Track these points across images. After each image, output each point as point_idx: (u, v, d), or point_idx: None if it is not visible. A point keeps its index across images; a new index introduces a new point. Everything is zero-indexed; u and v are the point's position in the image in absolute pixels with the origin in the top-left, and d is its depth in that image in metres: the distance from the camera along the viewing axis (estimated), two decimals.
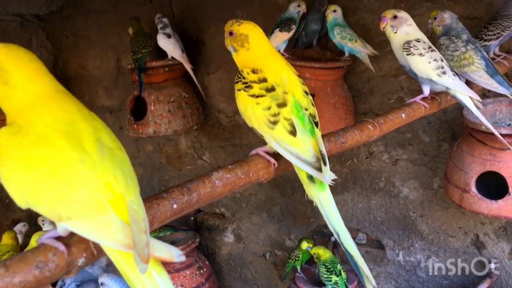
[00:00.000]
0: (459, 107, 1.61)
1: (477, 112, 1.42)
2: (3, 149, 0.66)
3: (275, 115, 0.92)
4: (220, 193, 0.84)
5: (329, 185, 0.93)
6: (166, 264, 0.67)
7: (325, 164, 0.91)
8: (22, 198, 0.65)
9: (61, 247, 0.62)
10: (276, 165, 0.97)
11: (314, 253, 2.16)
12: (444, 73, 1.38)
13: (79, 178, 0.64)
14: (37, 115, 0.68)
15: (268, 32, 2.10)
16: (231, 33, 1.01)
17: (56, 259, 0.61)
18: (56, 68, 3.20)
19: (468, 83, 1.51)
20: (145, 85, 2.43)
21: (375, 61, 2.13)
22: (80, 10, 2.97)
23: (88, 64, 3.08)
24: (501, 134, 1.49)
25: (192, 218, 2.87)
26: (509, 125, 1.81)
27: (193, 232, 2.65)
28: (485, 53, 1.55)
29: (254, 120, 0.95)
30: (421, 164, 2.20)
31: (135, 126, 2.50)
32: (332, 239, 2.45)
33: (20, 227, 2.80)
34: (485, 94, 1.89)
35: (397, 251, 2.34)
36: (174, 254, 0.66)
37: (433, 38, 1.64)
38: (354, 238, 2.38)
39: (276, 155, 0.96)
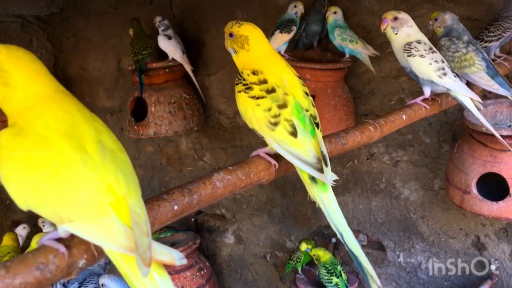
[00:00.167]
0: (460, 108, 1.61)
1: (478, 114, 1.42)
2: (4, 150, 0.66)
3: (275, 116, 0.92)
4: (221, 195, 0.84)
5: (330, 186, 0.93)
6: (166, 266, 0.67)
7: (326, 165, 0.91)
8: (23, 200, 0.65)
9: (61, 248, 0.62)
10: (277, 166, 0.96)
11: (314, 255, 2.16)
12: (445, 74, 1.38)
13: (81, 180, 0.64)
14: (38, 116, 0.68)
15: (269, 34, 2.10)
16: (231, 35, 1.01)
17: (56, 260, 0.60)
18: (57, 69, 3.20)
19: (469, 84, 1.51)
20: (146, 86, 2.44)
21: (376, 62, 2.13)
22: (81, 11, 2.98)
23: (89, 65, 3.09)
24: (501, 136, 1.49)
25: (192, 219, 2.87)
26: (509, 126, 1.81)
27: (193, 233, 2.64)
28: (486, 55, 1.55)
29: (254, 122, 0.95)
30: (421, 165, 2.20)
31: (135, 127, 2.50)
32: (333, 240, 2.45)
33: (21, 230, 2.79)
34: (485, 95, 1.89)
35: (397, 253, 2.34)
36: (176, 257, 0.66)
37: (434, 39, 1.64)
38: None
39: (277, 156, 0.96)
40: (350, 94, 2.19)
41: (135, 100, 2.53)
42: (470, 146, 1.72)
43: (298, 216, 2.60)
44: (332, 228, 0.94)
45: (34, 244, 2.08)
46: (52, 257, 0.60)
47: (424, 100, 1.43)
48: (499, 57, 1.79)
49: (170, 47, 2.41)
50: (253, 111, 0.94)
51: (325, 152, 0.93)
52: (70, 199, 0.63)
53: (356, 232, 2.41)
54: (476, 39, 1.64)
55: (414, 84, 2.09)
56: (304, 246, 2.22)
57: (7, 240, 2.40)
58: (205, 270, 2.55)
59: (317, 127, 0.95)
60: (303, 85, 0.99)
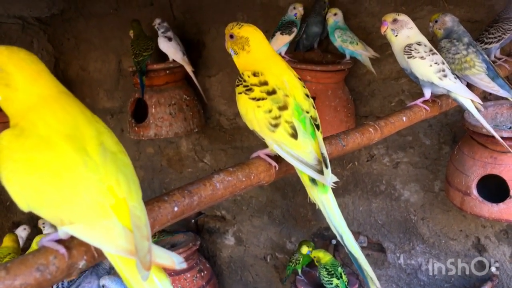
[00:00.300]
0: (460, 110, 1.61)
1: (478, 115, 1.42)
2: (6, 151, 0.66)
3: (276, 118, 0.92)
4: (221, 196, 0.84)
5: (331, 188, 0.93)
6: (166, 268, 0.67)
7: (326, 167, 0.91)
8: (24, 201, 0.65)
9: (61, 249, 0.62)
10: (277, 168, 0.96)
11: (314, 257, 2.16)
12: (445, 76, 1.38)
13: (82, 182, 0.64)
14: (40, 117, 0.68)
15: (270, 35, 2.10)
16: (231, 36, 1.01)
17: (57, 261, 0.60)
18: (57, 71, 3.20)
19: (469, 86, 1.51)
20: (146, 87, 2.44)
21: (376, 64, 2.13)
22: (82, 12, 2.98)
23: (89, 67, 3.09)
24: (502, 137, 1.49)
25: (193, 220, 2.87)
26: (510, 128, 1.81)
27: (194, 234, 2.64)
28: (486, 56, 1.55)
29: (255, 123, 0.95)
30: (422, 167, 2.20)
31: (136, 128, 2.50)
32: (333, 242, 2.44)
33: (21, 231, 2.79)
34: (486, 97, 1.89)
35: (398, 254, 2.34)
36: (176, 261, 0.66)
37: (434, 41, 1.64)
38: None
39: (277, 158, 0.96)
40: (350, 95, 2.19)
41: (135, 101, 2.53)
42: (470, 148, 1.72)
43: (298, 217, 2.59)
44: (332, 230, 0.94)
45: (34, 245, 2.08)
46: (52, 258, 0.60)
47: (424, 101, 1.43)
48: (499, 58, 1.79)
49: (171, 49, 2.41)
50: (253, 113, 0.94)
51: (325, 154, 0.93)
52: (71, 201, 0.63)
53: (356, 234, 2.41)
54: (476, 41, 1.64)
55: (414, 85, 2.09)
56: (305, 250, 2.21)
57: (7, 241, 2.40)
58: (205, 272, 2.55)
59: (318, 128, 0.95)
60: (304, 86, 0.99)
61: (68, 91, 0.74)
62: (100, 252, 0.65)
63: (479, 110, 1.43)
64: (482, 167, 1.66)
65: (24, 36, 3.17)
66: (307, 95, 0.97)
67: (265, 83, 0.95)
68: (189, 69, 2.47)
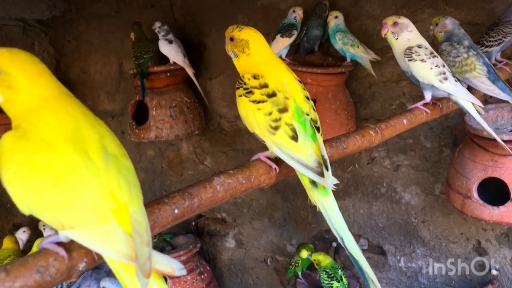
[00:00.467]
0: (461, 112, 1.61)
1: (479, 118, 1.42)
2: (7, 153, 0.66)
3: (276, 120, 0.92)
4: (221, 198, 0.84)
5: (331, 190, 0.93)
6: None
7: (327, 169, 0.91)
8: (25, 204, 0.65)
9: (61, 252, 0.62)
10: (278, 170, 0.96)
11: (315, 260, 2.16)
12: (446, 79, 1.38)
13: (83, 186, 0.64)
14: (42, 119, 0.68)
15: (270, 38, 2.10)
16: (231, 39, 1.01)
17: (56, 264, 0.60)
18: (58, 73, 3.20)
19: (470, 89, 1.51)
20: (147, 90, 2.44)
21: (377, 66, 2.13)
22: (83, 14, 2.98)
23: (90, 69, 3.09)
24: (503, 140, 1.49)
25: (193, 223, 2.86)
26: (511, 131, 1.81)
27: (194, 237, 2.64)
28: (486, 59, 1.55)
29: (255, 126, 0.95)
30: (422, 170, 2.20)
31: (136, 131, 2.50)
32: (334, 244, 2.44)
33: (21, 234, 2.79)
34: (487, 100, 1.89)
35: (398, 257, 2.34)
36: (175, 268, 0.66)
37: (435, 44, 1.64)
38: None
39: (278, 160, 0.96)
40: (351, 98, 2.20)
41: (136, 103, 2.53)
42: (471, 151, 1.72)
43: (299, 220, 2.59)
44: (333, 232, 0.94)
45: (35, 248, 2.08)
46: (52, 260, 0.60)
47: (425, 104, 1.43)
48: (500, 61, 1.79)
49: (172, 51, 2.41)
50: (254, 115, 0.94)
51: (326, 156, 0.93)
52: (72, 205, 0.63)
53: (357, 237, 2.40)
54: (477, 44, 1.64)
55: (415, 88, 2.09)
56: (305, 254, 2.21)
57: (7, 243, 2.40)
58: (205, 274, 2.54)
59: (318, 131, 0.95)
60: (304, 89, 0.99)
61: (70, 92, 0.74)
62: (100, 255, 0.65)
63: (479, 113, 1.43)
64: (482, 170, 1.66)
65: (25, 38, 3.17)
66: (307, 98, 0.98)
67: (265, 86, 0.95)
68: (190, 71, 2.48)
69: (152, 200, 0.75)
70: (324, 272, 2.09)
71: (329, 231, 2.43)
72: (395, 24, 1.41)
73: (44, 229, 2.79)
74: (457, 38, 1.55)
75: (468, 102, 1.41)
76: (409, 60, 1.39)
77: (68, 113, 0.70)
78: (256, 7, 2.42)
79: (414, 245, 2.28)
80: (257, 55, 1.00)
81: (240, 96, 0.97)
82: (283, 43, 2.09)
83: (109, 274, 2.27)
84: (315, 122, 0.96)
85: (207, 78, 2.67)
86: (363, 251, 2.38)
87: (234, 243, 2.85)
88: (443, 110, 1.49)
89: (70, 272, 0.62)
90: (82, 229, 0.63)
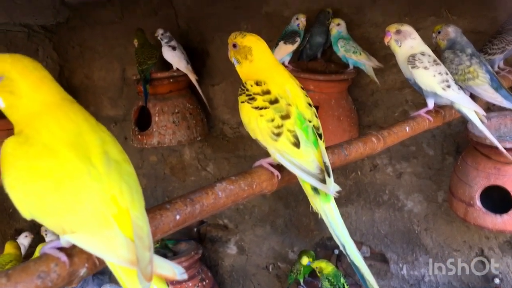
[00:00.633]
0: (464, 120, 1.61)
1: (482, 126, 1.42)
2: (10, 158, 0.66)
3: (278, 127, 0.92)
4: (223, 205, 0.84)
5: (333, 197, 0.93)
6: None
7: (329, 176, 0.91)
8: (26, 209, 0.65)
9: (63, 257, 0.62)
10: (280, 177, 0.96)
11: (317, 267, 2.14)
12: (448, 86, 1.38)
13: (85, 191, 0.64)
14: (44, 125, 0.68)
15: (273, 45, 2.11)
16: (234, 45, 1.01)
17: (58, 269, 0.60)
18: (62, 78, 3.22)
19: (473, 97, 1.51)
20: (150, 96, 2.44)
21: (380, 74, 2.13)
22: (87, 21, 3.00)
23: (94, 75, 3.10)
24: (505, 148, 1.49)
25: (195, 229, 2.86)
26: None
27: (196, 243, 2.64)
28: (489, 67, 1.55)
29: (257, 132, 0.95)
30: (425, 177, 2.19)
31: (139, 136, 2.51)
32: (336, 252, 2.43)
33: (22, 239, 2.79)
34: (489, 108, 1.89)
35: (401, 265, 2.33)
36: (177, 272, 0.66)
37: (438, 52, 1.64)
38: None
39: (280, 167, 0.96)
40: (353, 105, 2.20)
41: (139, 109, 2.54)
42: (474, 159, 1.71)
43: (301, 227, 2.59)
44: (335, 240, 0.93)
45: (37, 253, 2.07)
46: (54, 266, 0.60)
47: (428, 112, 1.42)
48: (503, 69, 1.79)
49: (175, 58, 2.42)
50: (256, 122, 0.94)
51: (328, 163, 0.93)
52: (73, 210, 0.63)
53: (359, 244, 2.39)
54: (479, 52, 1.64)
55: (417, 96, 2.09)
56: (305, 260, 2.20)
57: (9, 248, 2.40)
58: (207, 281, 2.54)
59: (320, 138, 0.95)
60: (306, 96, 0.99)
61: (72, 98, 0.74)
62: (101, 260, 0.65)
63: (482, 121, 1.43)
64: (485, 178, 1.66)
65: (30, 44, 3.19)
66: (309, 104, 0.98)
67: (268, 92, 0.95)
68: (193, 77, 2.48)
69: (154, 206, 0.75)
70: (326, 280, 2.08)
71: (331, 238, 2.42)
72: (398, 31, 1.41)
73: (46, 234, 2.78)
74: (460, 46, 1.55)
75: (471, 110, 1.41)
76: (412, 68, 1.39)
77: (70, 119, 0.70)
78: (259, 14, 2.43)
79: (416, 253, 2.27)
80: (260, 62, 1.00)
81: (243, 102, 0.97)
82: (286, 50, 2.09)
83: (112, 280, 2.26)
84: (317, 128, 0.96)
85: (210, 84, 2.68)
86: (365, 258, 2.37)
87: (236, 249, 2.85)
88: (446, 118, 1.49)
89: (71, 277, 0.62)
90: (84, 234, 0.63)
